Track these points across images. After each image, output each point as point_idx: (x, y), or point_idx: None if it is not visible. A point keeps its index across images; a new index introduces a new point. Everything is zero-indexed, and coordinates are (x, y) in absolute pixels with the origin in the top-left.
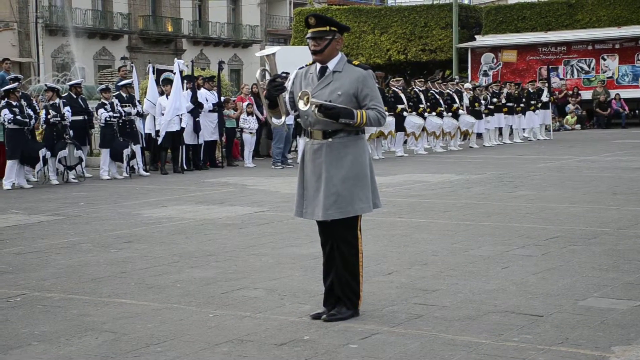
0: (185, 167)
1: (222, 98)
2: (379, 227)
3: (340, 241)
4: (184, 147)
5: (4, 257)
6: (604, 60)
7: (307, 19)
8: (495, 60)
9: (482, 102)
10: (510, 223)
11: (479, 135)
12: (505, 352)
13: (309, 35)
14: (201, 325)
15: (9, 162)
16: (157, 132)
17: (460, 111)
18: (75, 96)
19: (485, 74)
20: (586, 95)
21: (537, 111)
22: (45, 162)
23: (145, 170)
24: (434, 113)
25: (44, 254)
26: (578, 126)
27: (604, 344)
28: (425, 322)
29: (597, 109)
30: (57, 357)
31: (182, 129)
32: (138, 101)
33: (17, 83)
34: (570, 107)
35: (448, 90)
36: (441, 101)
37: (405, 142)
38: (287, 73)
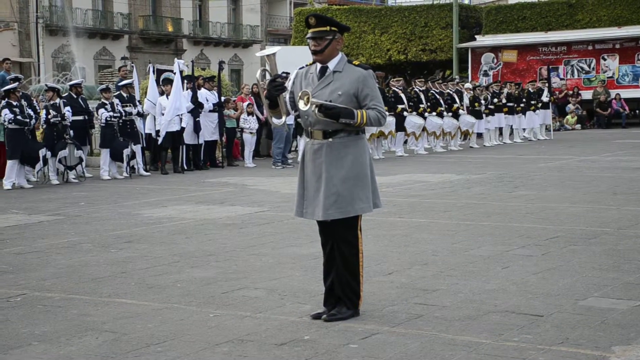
0: (186, 167)
1: (223, 98)
2: (379, 227)
3: (340, 241)
4: (184, 147)
5: (4, 257)
6: (604, 60)
7: (307, 19)
8: (495, 60)
9: (482, 102)
10: (510, 223)
11: (479, 135)
12: (506, 352)
13: (309, 35)
14: (201, 325)
15: (9, 162)
16: (158, 132)
17: (461, 111)
18: (75, 96)
19: (486, 74)
20: (586, 95)
21: (537, 111)
22: (45, 162)
23: (146, 170)
24: (434, 113)
25: (45, 254)
26: (578, 126)
27: (604, 344)
28: (426, 322)
29: (597, 109)
30: (58, 357)
31: (183, 129)
32: (138, 101)
33: (17, 83)
34: (570, 107)
35: (448, 90)
36: (441, 101)
37: (405, 142)
38: (288, 73)
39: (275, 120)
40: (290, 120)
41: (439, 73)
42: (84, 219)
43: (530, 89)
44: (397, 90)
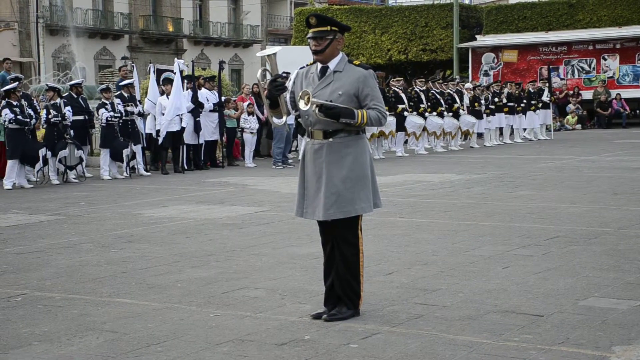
0: (186, 167)
1: (223, 98)
2: (379, 227)
3: (341, 241)
4: (184, 147)
5: (4, 256)
6: (605, 60)
7: (308, 19)
8: (496, 60)
9: (483, 102)
10: (510, 223)
11: (480, 135)
12: (506, 352)
13: (309, 35)
14: (202, 325)
15: (9, 162)
16: (158, 131)
17: (461, 111)
18: (75, 96)
19: (486, 74)
20: (587, 95)
21: (537, 111)
22: (45, 161)
23: (146, 170)
24: (434, 113)
25: (45, 254)
26: (579, 126)
27: (604, 344)
28: (426, 322)
29: (597, 108)
30: (58, 356)
31: (183, 128)
32: (139, 101)
33: (17, 83)
34: (570, 107)
35: (449, 90)
36: (442, 101)
37: (405, 142)
38: (288, 73)
39: (275, 120)
40: (291, 120)
41: (440, 73)
42: (85, 219)
43: (530, 89)
44: (397, 90)
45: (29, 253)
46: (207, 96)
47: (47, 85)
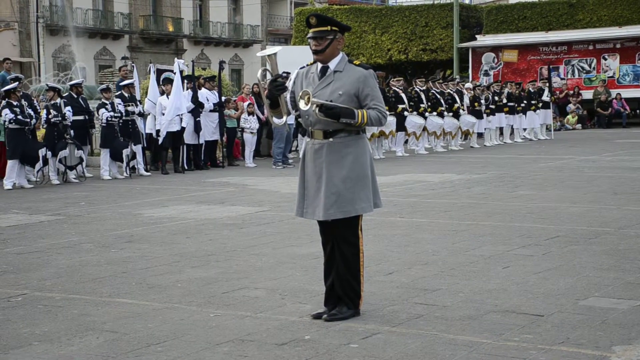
0: (186, 167)
1: (223, 98)
2: (379, 227)
3: (341, 241)
4: (184, 147)
5: (5, 256)
6: (605, 59)
7: (308, 19)
8: (496, 60)
9: (483, 102)
10: (511, 223)
11: (480, 135)
12: (506, 351)
13: (310, 35)
14: (202, 325)
15: (9, 162)
16: (158, 131)
17: (461, 111)
18: (76, 96)
19: (486, 74)
20: (587, 95)
21: (537, 111)
22: (45, 162)
23: (146, 170)
24: (434, 113)
25: (45, 254)
26: (579, 126)
27: (604, 344)
28: (426, 321)
29: (598, 108)
30: (58, 356)
31: (183, 128)
32: (139, 101)
33: (17, 83)
34: (571, 106)
35: (449, 90)
36: (442, 101)
37: (406, 141)
38: (288, 73)
39: (276, 120)
40: (291, 120)
41: (440, 73)
42: (85, 219)
43: (530, 88)
44: (397, 90)
45: (29, 253)
46: (207, 96)
47: (47, 85)
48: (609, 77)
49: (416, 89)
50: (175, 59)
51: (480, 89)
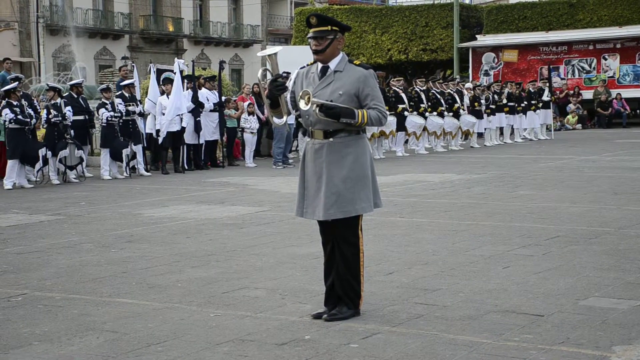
0: (186, 167)
1: (223, 98)
2: (380, 227)
3: (341, 241)
4: (184, 146)
5: (5, 256)
6: (605, 59)
7: (308, 19)
8: (496, 60)
9: (483, 102)
10: (511, 223)
11: (480, 135)
12: (506, 351)
13: (310, 34)
14: (202, 325)
15: (9, 162)
16: (158, 131)
17: (461, 111)
18: (76, 96)
19: (487, 74)
20: (587, 94)
21: (538, 111)
22: (45, 161)
23: (147, 170)
24: (434, 113)
25: (45, 254)
26: (579, 126)
27: (605, 344)
28: (426, 321)
29: (598, 108)
30: (58, 356)
31: (183, 128)
32: (139, 101)
33: (17, 83)
34: (571, 106)
35: (449, 90)
36: (442, 101)
37: (406, 141)
38: (288, 73)
39: (276, 120)
40: (291, 120)
41: (440, 73)
42: (85, 219)
43: (531, 88)
44: (397, 90)
45: (29, 253)
46: (208, 96)
47: (47, 85)
48: (609, 77)
49: (416, 89)
50: (176, 58)
51: (481, 89)
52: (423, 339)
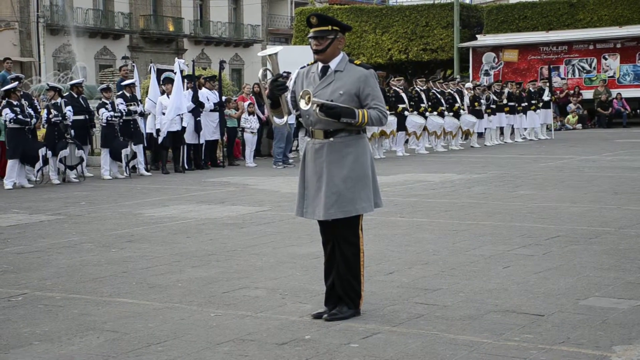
0: (187, 167)
1: (224, 98)
2: (380, 227)
3: (341, 240)
4: (185, 146)
5: (5, 256)
6: (606, 59)
7: (309, 19)
8: (496, 60)
9: (483, 101)
10: (511, 222)
11: (480, 135)
12: (507, 351)
13: (310, 34)
14: (202, 324)
15: (9, 162)
16: (158, 131)
17: (462, 111)
18: (76, 96)
19: (487, 74)
20: (587, 94)
21: (538, 111)
22: (45, 161)
23: (147, 170)
24: (435, 112)
25: (45, 254)
26: (579, 126)
27: (605, 344)
28: (427, 321)
29: (598, 108)
30: (59, 356)
31: (184, 128)
32: (139, 100)
33: (17, 82)
34: (571, 106)
35: (449, 90)
36: (442, 101)
37: (406, 141)
38: (289, 73)
39: (276, 120)
40: (292, 119)
41: (440, 72)
42: (85, 219)
43: (531, 88)
44: (398, 89)
45: (29, 253)
46: (208, 96)
47: (47, 84)
48: (609, 77)
49: (417, 88)
50: (176, 58)
51: (481, 88)
52: (423, 339)
